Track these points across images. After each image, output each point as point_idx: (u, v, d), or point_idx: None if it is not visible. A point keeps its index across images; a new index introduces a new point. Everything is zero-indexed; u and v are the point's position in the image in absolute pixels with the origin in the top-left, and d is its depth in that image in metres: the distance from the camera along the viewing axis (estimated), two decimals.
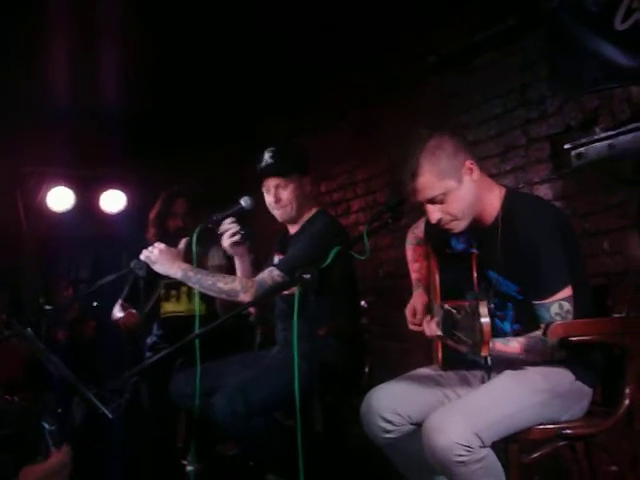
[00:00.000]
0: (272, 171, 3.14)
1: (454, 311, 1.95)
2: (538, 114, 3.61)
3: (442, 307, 2.13)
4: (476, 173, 2.33)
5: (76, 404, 2.00)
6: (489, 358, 1.86)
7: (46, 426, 1.41)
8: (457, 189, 2.30)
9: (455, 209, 2.33)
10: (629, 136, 3.11)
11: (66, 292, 5.97)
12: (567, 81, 3.39)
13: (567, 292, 2.22)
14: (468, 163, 2.32)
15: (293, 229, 3.27)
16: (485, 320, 1.76)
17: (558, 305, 2.21)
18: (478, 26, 3.88)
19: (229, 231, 3.07)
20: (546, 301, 2.22)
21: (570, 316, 2.21)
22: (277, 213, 3.20)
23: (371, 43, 4.43)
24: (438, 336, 2.28)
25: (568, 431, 2.25)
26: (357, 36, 4.31)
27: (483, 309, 1.75)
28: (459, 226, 2.38)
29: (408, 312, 2.58)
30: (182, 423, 3.82)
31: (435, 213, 2.34)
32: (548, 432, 2.25)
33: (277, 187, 3.13)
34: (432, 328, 2.28)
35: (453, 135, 2.39)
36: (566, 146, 3.37)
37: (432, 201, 2.32)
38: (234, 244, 3.09)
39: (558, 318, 2.20)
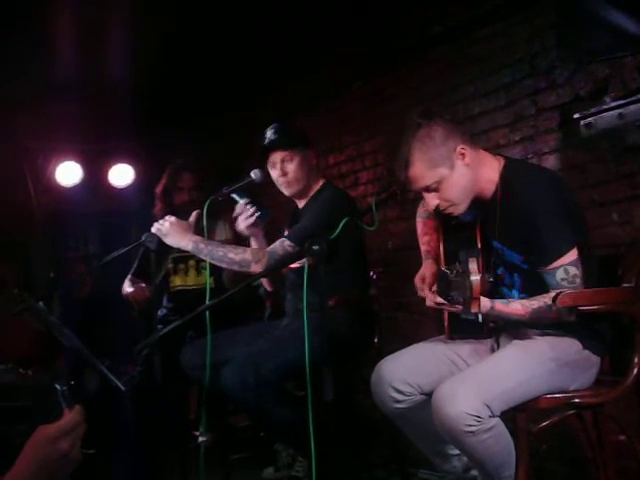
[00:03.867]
0: (277, 145, 3.15)
1: (448, 272, 1.97)
2: (547, 84, 3.58)
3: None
4: (468, 156, 2.33)
5: (89, 375, 2.03)
6: (479, 315, 1.87)
7: (58, 387, 1.43)
8: (450, 176, 2.31)
9: (450, 195, 2.34)
10: (639, 105, 3.09)
11: (78, 268, 6.02)
12: (576, 50, 3.35)
13: (571, 256, 2.21)
14: (459, 149, 2.32)
15: (301, 203, 3.28)
16: (474, 277, 1.78)
17: (563, 270, 2.20)
18: None
19: (244, 214, 3.06)
20: (550, 267, 2.22)
21: (578, 280, 2.21)
22: (285, 188, 3.20)
23: (377, 13, 4.39)
24: (437, 303, 2.30)
25: (576, 400, 2.26)
26: (363, 6, 4.27)
27: (472, 265, 1.77)
28: (458, 210, 2.39)
29: (417, 279, 2.60)
30: (193, 395, 3.86)
31: (432, 200, 2.36)
32: (556, 401, 2.26)
33: (283, 161, 3.14)
34: (429, 296, 2.31)
35: (443, 121, 2.38)
36: (575, 116, 3.34)
37: (427, 189, 2.34)
38: (250, 226, 3.09)
39: (565, 283, 2.20)
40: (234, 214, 3.09)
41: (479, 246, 2.44)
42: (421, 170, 2.30)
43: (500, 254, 2.40)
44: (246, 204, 3.06)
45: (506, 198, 2.33)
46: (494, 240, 2.41)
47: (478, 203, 2.43)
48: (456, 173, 2.31)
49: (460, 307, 2.08)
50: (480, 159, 2.39)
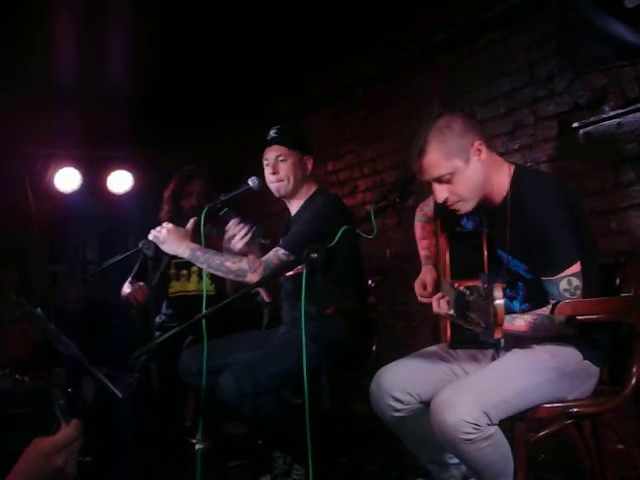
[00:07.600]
0: (274, 141, 3.17)
1: (467, 292, 1.92)
2: (546, 92, 3.59)
3: (453, 287, 2.12)
4: (484, 154, 2.32)
5: (86, 383, 2.02)
6: (502, 340, 1.82)
7: (56, 401, 1.41)
8: (464, 169, 2.29)
9: (462, 189, 2.32)
10: (638, 114, 3.10)
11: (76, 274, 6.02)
12: (575, 59, 3.36)
13: (575, 268, 2.21)
14: (477, 144, 2.30)
15: (294, 209, 3.27)
16: (499, 302, 1.74)
17: (567, 281, 2.20)
18: (485, 4, 3.85)
19: (238, 235, 3.04)
20: (554, 277, 2.21)
21: (579, 292, 2.20)
22: (274, 187, 3.19)
23: (378, 22, 4.40)
24: (449, 315, 2.27)
25: (575, 410, 2.25)
26: (364, 14, 4.28)
27: (497, 292, 1.72)
28: (465, 207, 2.36)
29: (417, 285, 2.58)
30: (190, 402, 3.85)
31: (442, 192, 2.33)
32: (555, 410, 2.25)
33: (277, 158, 3.15)
34: (443, 306, 2.27)
35: (464, 115, 2.38)
36: (574, 125, 3.36)
37: (439, 180, 2.31)
38: (247, 243, 3.06)
39: (567, 294, 2.20)
40: (227, 235, 3.07)
41: (485, 255, 2.43)
42: (436, 159, 2.28)
43: (504, 263, 2.39)
44: (237, 223, 3.03)
45: (516, 205, 2.31)
46: (499, 249, 2.40)
47: (484, 209, 2.43)
48: (471, 168, 2.30)
49: (479, 329, 2.03)
50: (494, 161, 2.38)
